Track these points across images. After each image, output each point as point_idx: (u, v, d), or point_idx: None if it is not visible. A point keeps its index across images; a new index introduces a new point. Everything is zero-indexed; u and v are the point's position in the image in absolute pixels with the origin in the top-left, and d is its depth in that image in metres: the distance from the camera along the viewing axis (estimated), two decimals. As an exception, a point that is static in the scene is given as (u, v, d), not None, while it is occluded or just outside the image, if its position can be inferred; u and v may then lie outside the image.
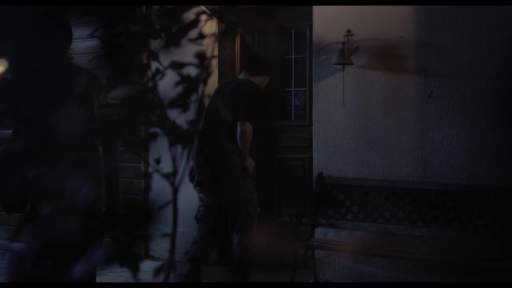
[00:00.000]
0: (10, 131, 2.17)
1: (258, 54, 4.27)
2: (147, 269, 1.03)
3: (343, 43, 4.20)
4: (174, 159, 1.08)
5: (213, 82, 4.35)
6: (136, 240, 0.94)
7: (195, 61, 1.15)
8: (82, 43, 4.22)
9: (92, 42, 1.16)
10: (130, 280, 4.33)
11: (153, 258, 5.06)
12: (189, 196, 4.45)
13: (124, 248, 0.92)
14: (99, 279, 4.55)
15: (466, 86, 3.94)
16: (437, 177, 4.01)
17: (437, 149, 4.02)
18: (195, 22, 1.17)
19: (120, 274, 4.63)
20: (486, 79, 3.87)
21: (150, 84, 1.18)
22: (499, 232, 3.68)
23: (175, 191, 1.20)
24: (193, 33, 1.16)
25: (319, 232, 4.32)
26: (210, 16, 1.20)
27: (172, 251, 1.07)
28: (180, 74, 1.13)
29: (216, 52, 4.08)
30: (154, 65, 1.20)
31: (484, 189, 3.81)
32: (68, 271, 0.85)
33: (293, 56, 4.93)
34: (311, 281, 4.18)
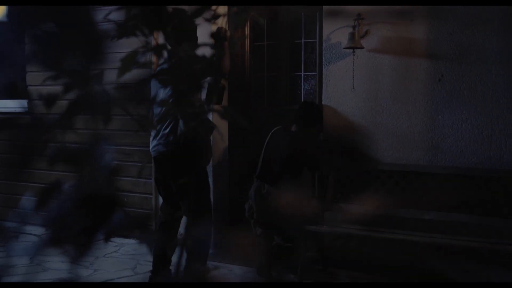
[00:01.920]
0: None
1: (311, 107, 4.33)
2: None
3: (353, 27, 4.18)
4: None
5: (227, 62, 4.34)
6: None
7: (209, 41, 1.16)
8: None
9: (109, 27, 1.18)
10: (142, 262, 4.37)
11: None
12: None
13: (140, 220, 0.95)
14: (110, 260, 4.62)
15: (477, 70, 3.92)
16: (447, 161, 4.01)
17: (447, 133, 4.02)
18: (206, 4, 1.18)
19: (132, 257, 4.69)
20: (498, 63, 3.85)
21: (166, 65, 1.20)
22: (509, 216, 3.68)
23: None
24: (208, 14, 1.18)
25: (327, 216, 4.34)
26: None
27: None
28: (194, 55, 1.15)
29: (227, 34, 4.06)
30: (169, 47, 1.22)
31: (495, 173, 3.81)
32: (108, 223, 0.89)
33: (303, 41, 4.92)
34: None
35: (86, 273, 4.26)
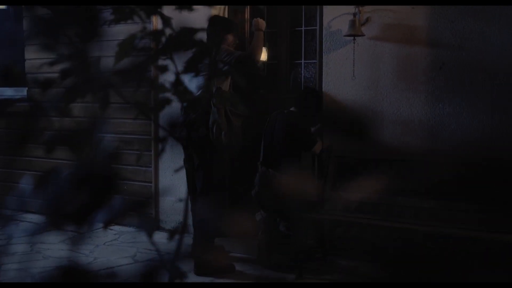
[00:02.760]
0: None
1: (313, 92, 4.35)
2: (158, 240, 1.05)
3: (354, 14, 4.15)
4: (187, 124, 1.08)
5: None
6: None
7: (206, 27, 1.14)
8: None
9: (105, 13, 1.16)
10: (141, 250, 4.40)
11: (163, 230, 5.12)
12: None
13: (139, 204, 0.94)
14: (110, 248, 4.63)
15: (478, 58, 3.90)
16: (447, 149, 4.00)
17: (447, 121, 4.00)
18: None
19: (132, 245, 4.70)
20: (498, 51, 3.82)
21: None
22: (508, 204, 3.68)
23: (189, 156, 1.21)
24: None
25: (327, 204, 4.34)
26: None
27: (185, 215, 1.09)
28: (192, 40, 1.13)
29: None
30: (167, 31, 1.20)
31: (495, 162, 3.80)
32: (108, 202, 0.88)
33: (303, 28, 4.89)
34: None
35: (86, 261, 4.27)
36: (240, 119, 3.97)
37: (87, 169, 0.86)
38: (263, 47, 4.21)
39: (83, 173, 0.86)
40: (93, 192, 0.84)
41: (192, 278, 3.83)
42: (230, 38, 4.06)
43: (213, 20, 4.07)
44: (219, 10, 4.59)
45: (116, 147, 0.92)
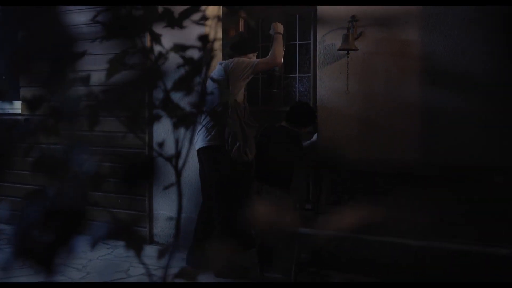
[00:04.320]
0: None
1: (304, 106, 4.37)
2: (152, 254, 1.05)
3: (348, 29, 4.18)
4: (177, 142, 1.08)
5: (215, 65, 4.35)
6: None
7: (198, 43, 1.15)
8: (86, 28, 4.22)
9: (96, 28, 1.16)
10: (135, 264, 4.37)
11: (157, 244, 5.09)
12: (193, 181, 4.46)
13: (126, 225, 0.93)
14: (103, 263, 4.60)
15: (472, 72, 3.91)
16: (441, 163, 4.00)
17: (441, 134, 4.01)
18: (198, 4, 1.17)
19: (125, 259, 4.67)
20: (491, 65, 3.85)
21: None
22: (504, 214, 3.68)
23: (179, 174, 1.20)
24: (197, 15, 1.16)
25: (320, 218, 4.33)
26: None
27: (176, 234, 1.08)
28: (183, 57, 1.13)
29: (219, 35, 4.16)
30: (157, 49, 1.20)
31: (489, 173, 3.80)
32: (71, 241, 0.86)
33: (297, 42, 4.92)
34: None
35: (79, 276, 4.24)
36: (253, 130, 4.06)
37: (55, 202, 0.85)
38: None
39: (52, 206, 0.84)
40: (57, 230, 0.82)
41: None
42: (252, 57, 4.31)
43: (234, 45, 4.23)
44: (210, 29, 4.62)
45: (97, 172, 0.91)
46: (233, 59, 4.16)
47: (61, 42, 0.93)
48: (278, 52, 4.17)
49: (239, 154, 3.98)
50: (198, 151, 4.18)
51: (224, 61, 4.22)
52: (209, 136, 4.10)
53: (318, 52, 4.42)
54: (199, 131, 4.14)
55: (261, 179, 4.18)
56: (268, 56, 4.23)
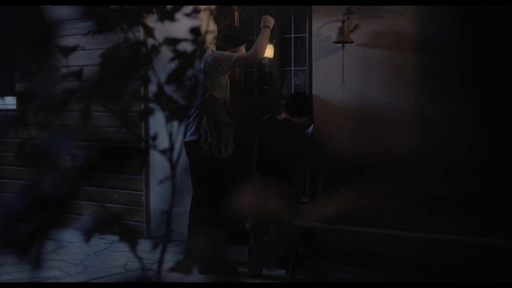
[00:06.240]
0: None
1: (302, 96, 4.36)
2: (149, 248, 1.05)
3: (343, 21, 4.17)
4: (170, 135, 1.08)
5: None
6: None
7: (190, 36, 1.14)
8: (81, 23, 4.21)
9: (88, 23, 1.16)
10: (132, 259, 4.36)
11: (154, 238, 5.10)
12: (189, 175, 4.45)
13: (116, 217, 0.93)
14: (100, 257, 4.60)
15: (466, 64, 3.92)
16: (437, 154, 4.01)
17: (436, 126, 4.02)
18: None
19: (123, 254, 4.67)
20: (486, 58, 3.85)
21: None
22: (497, 208, 3.69)
23: (173, 167, 1.20)
24: (188, 8, 1.16)
25: (318, 210, 4.33)
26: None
27: (167, 228, 1.08)
28: (175, 50, 1.13)
29: (211, 28, 4.12)
30: (150, 42, 1.20)
31: (482, 166, 3.81)
32: (50, 232, 0.86)
33: (292, 35, 4.91)
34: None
35: (77, 271, 4.24)
36: (231, 127, 4.00)
37: (37, 194, 0.84)
38: (270, 44, 4.28)
39: (33, 197, 0.84)
40: (38, 222, 0.82)
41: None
42: (242, 50, 4.27)
43: (226, 31, 4.19)
44: (202, 21, 4.61)
45: (89, 159, 0.91)
46: (213, 52, 4.13)
47: (38, 26, 0.92)
48: (260, 46, 4.08)
49: (212, 150, 3.91)
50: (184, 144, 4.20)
51: (205, 54, 4.21)
52: (189, 131, 4.05)
53: (313, 45, 4.41)
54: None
55: (264, 172, 4.17)
56: (249, 51, 4.20)
